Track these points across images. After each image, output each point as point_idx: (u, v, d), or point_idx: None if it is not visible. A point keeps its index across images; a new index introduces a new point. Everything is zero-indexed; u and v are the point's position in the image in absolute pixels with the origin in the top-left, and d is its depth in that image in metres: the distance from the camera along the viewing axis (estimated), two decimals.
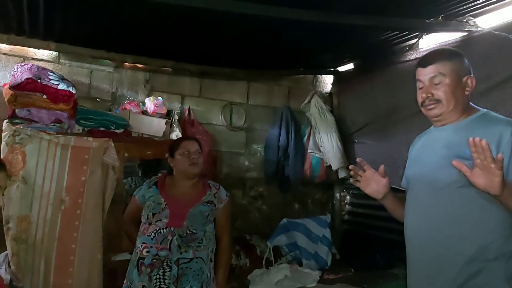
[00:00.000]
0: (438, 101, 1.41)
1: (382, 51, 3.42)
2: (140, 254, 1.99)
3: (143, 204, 2.15)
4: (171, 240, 1.97)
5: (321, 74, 4.36)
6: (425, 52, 1.56)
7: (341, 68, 4.23)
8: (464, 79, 1.42)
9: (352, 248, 3.99)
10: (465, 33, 2.61)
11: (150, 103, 3.30)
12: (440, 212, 1.36)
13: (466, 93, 1.43)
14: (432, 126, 1.56)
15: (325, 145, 4.01)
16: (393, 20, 2.44)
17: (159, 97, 3.42)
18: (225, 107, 3.98)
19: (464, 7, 2.37)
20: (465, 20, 2.50)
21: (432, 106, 1.42)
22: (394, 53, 3.39)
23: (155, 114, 3.27)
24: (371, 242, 3.79)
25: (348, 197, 4.40)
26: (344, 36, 3.03)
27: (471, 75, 1.44)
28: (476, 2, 2.30)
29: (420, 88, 1.46)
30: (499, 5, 2.31)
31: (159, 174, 2.39)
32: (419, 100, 1.47)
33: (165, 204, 2.09)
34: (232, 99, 4.02)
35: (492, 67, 2.43)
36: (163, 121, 3.25)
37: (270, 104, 4.20)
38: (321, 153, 4.03)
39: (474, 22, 2.53)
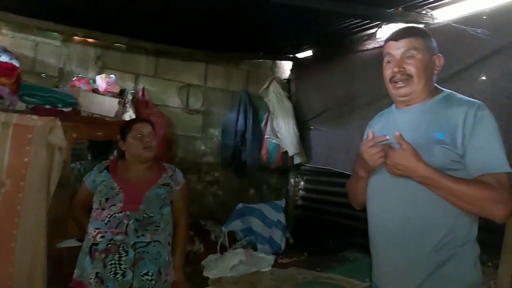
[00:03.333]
0: (409, 76, 1.34)
1: (341, 40, 3.45)
2: (94, 240, 1.89)
3: (95, 190, 2.04)
4: (127, 224, 1.89)
5: (280, 60, 4.35)
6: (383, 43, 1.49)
7: (300, 55, 4.24)
8: (434, 57, 1.38)
9: (305, 232, 4.07)
10: (423, 25, 2.68)
11: (101, 81, 3.10)
12: (407, 198, 1.30)
13: (435, 72, 1.39)
14: (393, 106, 1.50)
15: (282, 131, 4.02)
16: (357, 7, 2.45)
17: (112, 75, 3.23)
18: (181, 88, 3.85)
19: None
20: (423, 12, 2.56)
21: (402, 84, 1.35)
22: (353, 42, 3.43)
23: (106, 93, 3.08)
24: (323, 227, 3.89)
25: (302, 183, 4.47)
26: (305, 23, 3.01)
27: (440, 55, 1.40)
28: None
29: (389, 62, 1.39)
30: None
31: (111, 158, 2.27)
32: (388, 75, 1.39)
33: (119, 188, 2.00)
34: (189, 80, 3.89)
35: (446, 60, 2.51)
36: (116, 100, 3.08)
37: (229, 87, 4.12)
38: (278, 139, 4.04)
39: (432, 14, 2.60)
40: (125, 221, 1.90)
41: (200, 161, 3.97)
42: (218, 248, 3.45)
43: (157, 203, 2.01)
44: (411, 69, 1.34)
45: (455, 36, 2.43)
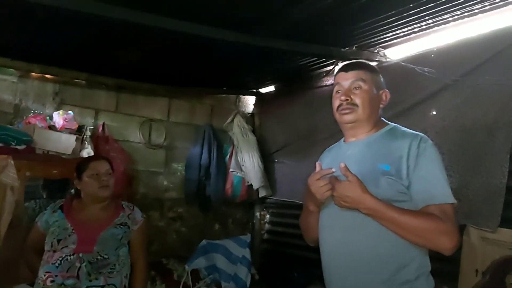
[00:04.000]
0: (354, 105, 1.39)
1: (301, 76, 3.56)
2: (43, 285, 1.80)
3: (47, 231, 1.97)
4: (80, 267, 1.83)
5: (243, 95, 4.41)
6: None
7: (263, 90, 4.32)
8: (380, 92, 1.45)
9: (271, 267, 4.00)
10: (376, 63, 2.81)
11: (58, 118, 3.01)
12: (357, 231, 1.30)
13: (381, 106, 1.46)
14: (342, 140, 1.55)
15: (246, 165, 4.02)
16: (312, 46, 2.55)
17: (70, 111, 3.15)
18: (143, 123, 3.80)
19: (375, 39, 2.55)
20: (376, 51, 2.70)
21: (348, 111, 1.40)
22: (312, 78, 3.54)
23: (64, 130, 2.99)
24: (289, 261, 3.84)
25: (267, 216, 4.44)
26: (266, 59, 3.10)
27: (386, 90, 1.48)
28: (386, 36, 2.49)
29: (338, 92, 1.44)
30: (406, 39, 2.54)
31: (68, 196, 2.20)
32: (336, 104, 1.44)
33: (72, 229, 1.93)
34: (151, 115, 3.86)
35: (399, 96, 2.64)
36: (73, 137, 2.99)
37: (192, 122, 4.11)
38: (242, 173, 4.03)
39: (384, 53, 2.74)
40: (77, 264, 1.84)
41: (163, 196, 3.88)
42: (181, 287, 3.32)
43: (113, 244, 1.95)
44: (357, 99, 1.40)
45: (406, 74, 2.57)
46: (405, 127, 1.46)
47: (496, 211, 2.09)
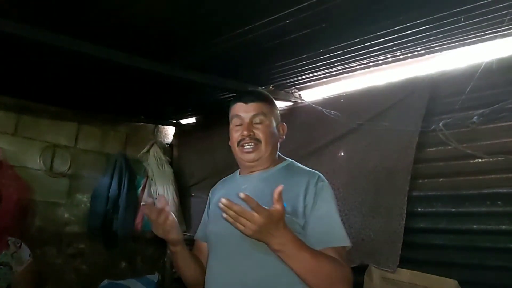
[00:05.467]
0: (258, 141, 1.34)
1: (222, 109, 3.51)
2: None
3: None
4: None
5: (162, 125, 4.27)
6: None
7: (184, 121, 4.23)
8: (279, 125, 1.43)
9: None
10: (291, 103, 2.90)
11: None
12: (251, 277, 1.21)
13: (280, 140, 1.43)
14: (237, 172, 1.50)
15: None
16: (228, 82, 2.55)
17: None
18: (46, 149, 3.46)
19: (291, 80, 2.62)
20: (291, 92, 2.78)
21: (250, 149, 1.33)
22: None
23: None
24: None
25: None
26: (186, 90, 3.04)
27: (283, 123, 1.46)
28: (300, 78, 2.58)
29: (238, 125, 1.37)
30: (318, 82, 2.65)
31: None
32: (236, 138, 1.37)
33: None
34: (56, 141, 3.53)
35: (312, 135, 2.73)
36: None
37: (104, 150, 3.84)
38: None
39: (299, 94, 2.83)
40: None
41: (63, 231, 3.50)
42: None
43: None
44: (260, 134, 1.35)
45: (318, 116, 2.66)
46: (316, 166, 1.45)
47: (396, 251, 2.18)
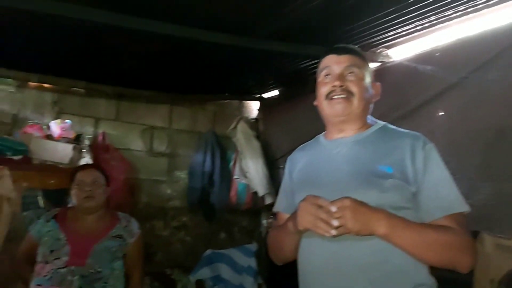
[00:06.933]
0: (350, 94, 1.18)
1: (303, 79, 3.47)
2: None
3: (39, 241, 1.91)
4: (72, 281, 1.76)
5: (246, 100, 4.33)
6: None
7: (266, 95, 4.24)
8: (373, 84, 1.27)
9: (279, 276, 3.89)
10: (379, 63, 2.71)
11: (55, 127, 2.98)
12: (360, 246, 1.07)
13: (373, 100, 1.28)
14: (321, 137, 1.34)
15: (251, 171, 3.93)
16: (309, 48, 2.46)
17: (67, 120, 3.12)
18: (145, 131, 3.75)
19: (377, 38, 2.45)
20: (378, 51, 2.60)
21: (341, 99, 1.18)
22: (314, 81, 3.45)
23: (61, 139, 2.95)
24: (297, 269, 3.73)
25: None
26: (266, 62, 3.03)
27: (378, 83, 1.31)
28: (387, 35, 2.39)
29: (327, 75, 1.24)
30: (408, 38, 2.44)
31: (63, 206, 2.16)
32: (325, 90, 1.21)
33: (65, 240, 1.88)
34: (153, 123, 3.81)
35: (404, 96, 2.55)
36: (70, 146, 2.95)
37: (195, 129, 4.04)
38: (247, 179, 3.95)
39: (387, 53, 2.64)
40: (69, 278, 1.78)
41: (166, 205, 3.81)
42: None
43: (107, 257, 1.89)
44: (353, 87, 1.19)
45: (410, 74, 2.46)
46: (411, 129, 1.28)
47: (511, 216, 1.97)
